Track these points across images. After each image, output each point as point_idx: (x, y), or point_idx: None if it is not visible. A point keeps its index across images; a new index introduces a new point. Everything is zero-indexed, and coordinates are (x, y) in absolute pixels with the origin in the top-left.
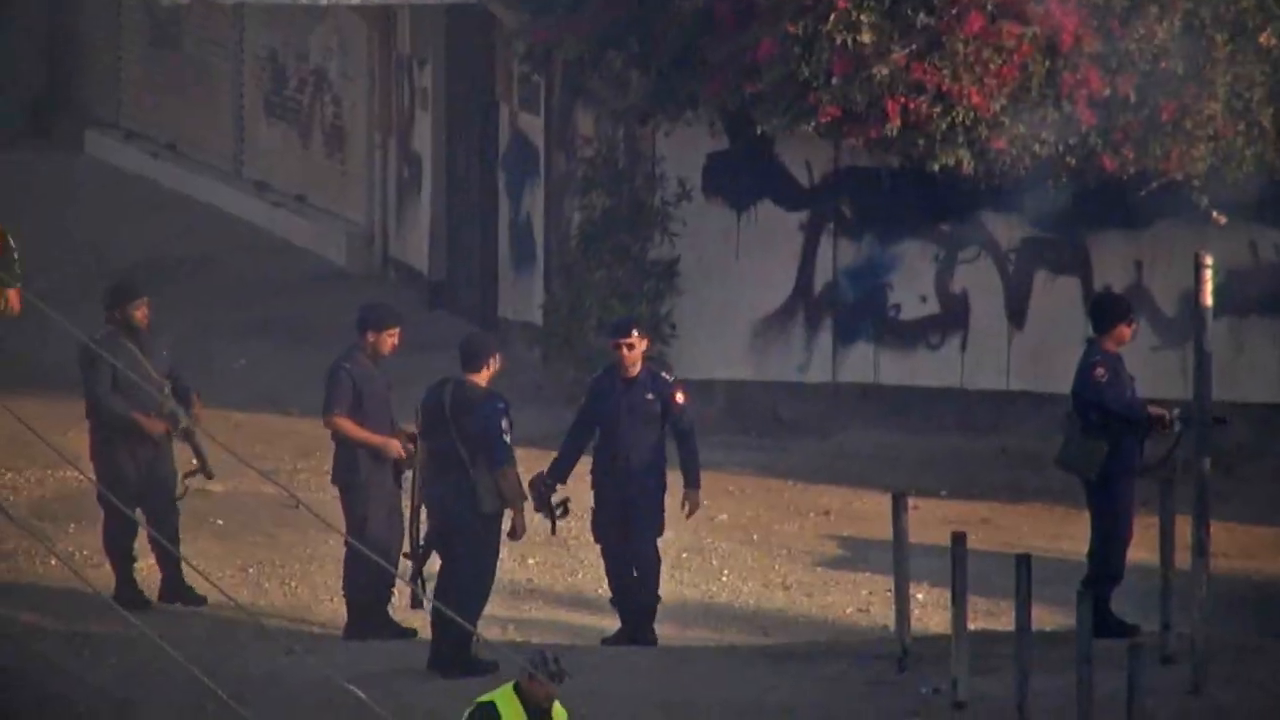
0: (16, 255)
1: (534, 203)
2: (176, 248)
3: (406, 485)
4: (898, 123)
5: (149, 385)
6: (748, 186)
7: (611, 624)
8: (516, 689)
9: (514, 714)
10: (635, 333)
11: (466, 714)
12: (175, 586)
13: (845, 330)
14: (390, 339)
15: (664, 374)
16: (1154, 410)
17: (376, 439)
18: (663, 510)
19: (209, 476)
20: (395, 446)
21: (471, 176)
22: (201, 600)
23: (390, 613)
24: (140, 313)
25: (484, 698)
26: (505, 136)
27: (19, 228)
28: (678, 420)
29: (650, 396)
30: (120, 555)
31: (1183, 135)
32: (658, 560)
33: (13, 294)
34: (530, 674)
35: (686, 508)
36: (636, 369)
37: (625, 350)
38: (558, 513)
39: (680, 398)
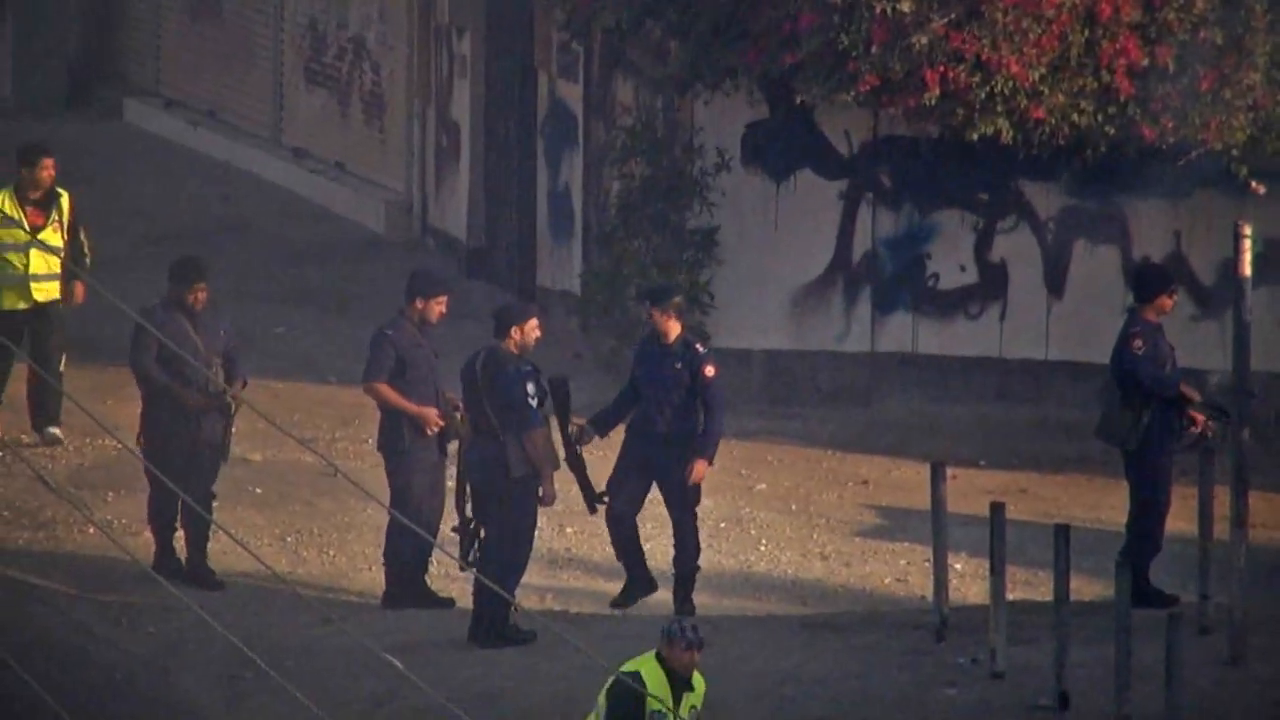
0: (87, 249)
1: (573, 171)
2: (215, 215)
3: (454, 455)
4: (937, 92)
5: (195, 360)
6: (787, 156)
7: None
8: (659, 658)
9: (657, 682)
10: (649, 303)
11: (609, 682)
12: (196, 568)
13: (884, 299)
14: (438, 306)
15: (698, 345)
16: (1186, 389)
17: (414, 408)
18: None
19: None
20: (432, 416)
21: (510, 145)
22: (219, 585)
23: (428, 583)
24: (194, 297)
25: (627, 666)
26: (544, 105)
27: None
28: (705, 392)
29: (679, 365)
30: (162, 525)
31: (1222, 105)
32: (694, 530)
33: (79, 286)
34: (670, 642)
35: (689, 474)
36: (671, 337)
37: (645, 318)
38: (605, 499)
39: (710, 371)
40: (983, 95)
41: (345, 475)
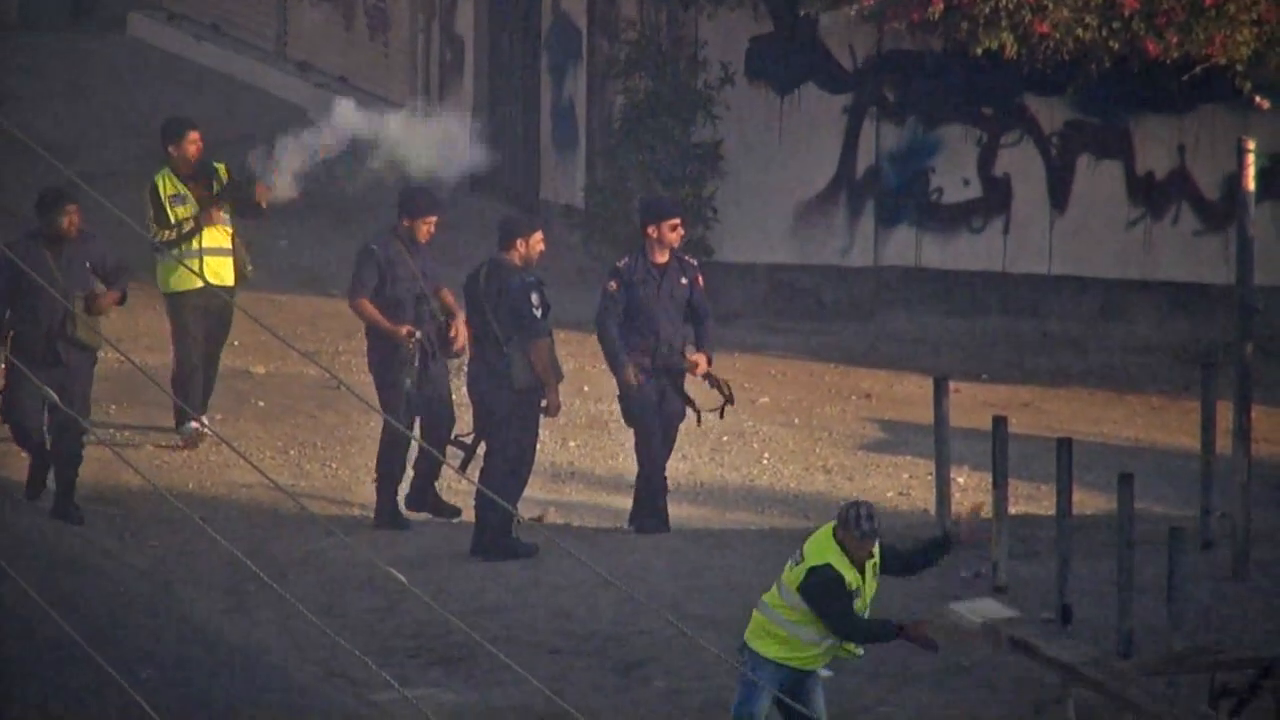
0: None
1: (576, 86)
2: (219, 129)
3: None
4: (940, 6)
5: (54, 295)
6: (790, 70)
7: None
8: (839, 543)
9: (847, 568)
10: (666, 217)
11: (804, 575)
12: (62, 505)
13: (887, 214)
14: (426, 226)
15: (687, 257)
16: None
17: (387, 325)
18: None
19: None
20: (401, 333)
21: (514, 59)
22: (79, 520)
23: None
24: (67, 220)
25: (813, 560)
26: (548, 19)
27: (64, 109)
28: (702, 300)
29: (684, 281)
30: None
31: (1226, 20)
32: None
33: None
34: (846, 528)
35: (698, 365)
36: (671, 252)
37: (679, 232)
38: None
39: (701, 280)
40: (987, 9)
41: (348, 388)
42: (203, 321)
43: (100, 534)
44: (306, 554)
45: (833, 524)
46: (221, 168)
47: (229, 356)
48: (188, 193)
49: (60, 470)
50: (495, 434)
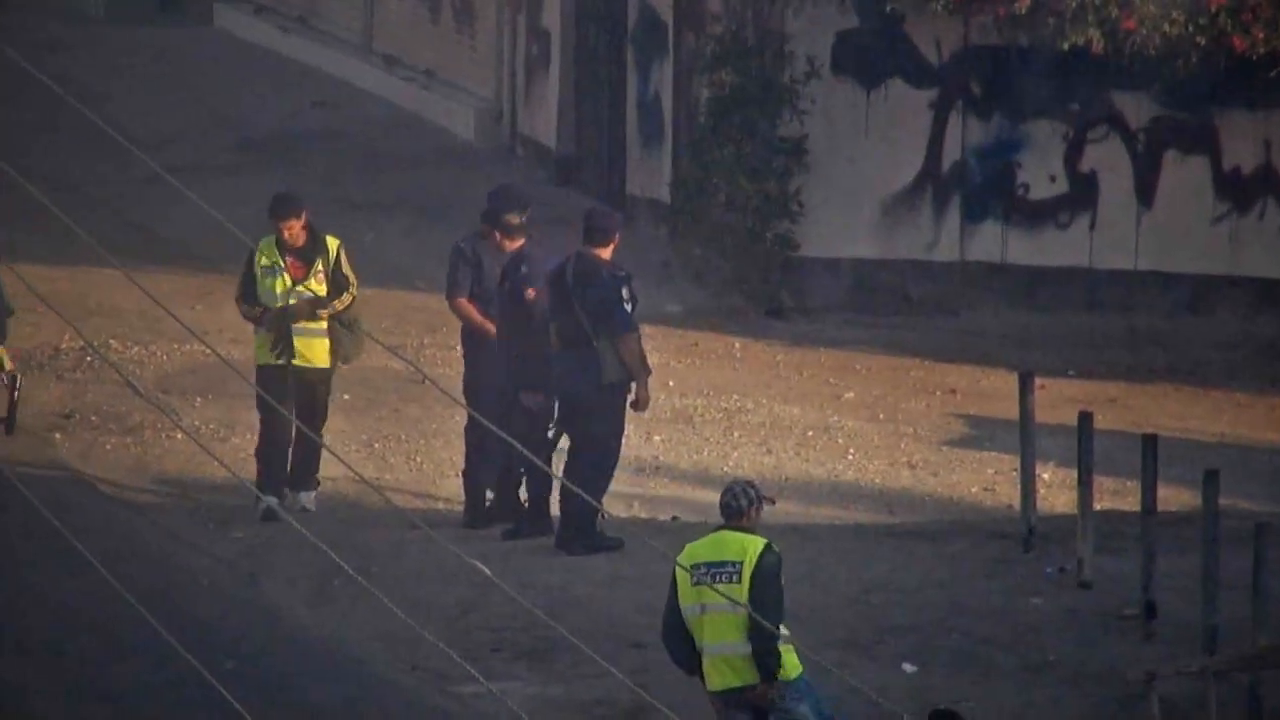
0: (352, 286)
1: (662, 80)
2: (306, 122)
3: None
4: (1027, 1)
5: None
6: (877, 64)
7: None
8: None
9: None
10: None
11: (757, 559)
12: None
13: (973, 209)
14: (513, 232)
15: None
16: None
17: (481, 323)
18: None
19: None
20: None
21: (600, 53)
22: None
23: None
24: None
25: (758, 546)
26: (634, 13)
27: (150, 102)
28: None
29: None
30: None
31: None
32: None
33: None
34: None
35: None
36: None
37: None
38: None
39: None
40: (1074, 5)
41: (433, 382)
42: (293, 398)
43: (184, 526)
44: (391, 547)
45: (723, 527)
46: (334, 244)
47: None
48: (285, 266)
49: None
50: (582, 428)
